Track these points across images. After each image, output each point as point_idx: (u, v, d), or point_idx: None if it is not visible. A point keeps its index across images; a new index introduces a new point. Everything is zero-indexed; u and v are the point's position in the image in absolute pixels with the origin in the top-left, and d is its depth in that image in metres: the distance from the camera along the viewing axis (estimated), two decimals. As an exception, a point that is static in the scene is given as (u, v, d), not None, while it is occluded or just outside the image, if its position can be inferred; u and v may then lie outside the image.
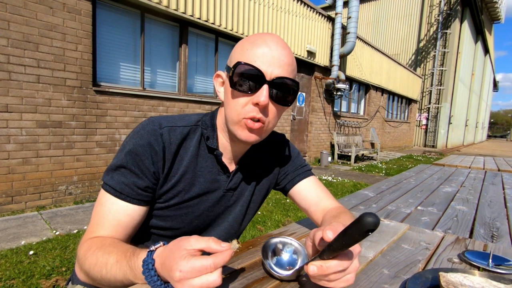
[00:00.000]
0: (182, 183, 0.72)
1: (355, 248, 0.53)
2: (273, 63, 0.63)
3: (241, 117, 0.65)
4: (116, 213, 0.65)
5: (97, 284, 0.62)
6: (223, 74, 0.72)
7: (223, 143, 0.75)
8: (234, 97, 0.65)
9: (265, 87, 0.62)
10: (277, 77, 0.63)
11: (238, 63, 0.63)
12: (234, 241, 0.48)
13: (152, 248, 0.52)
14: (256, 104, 0.63)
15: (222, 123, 0.74)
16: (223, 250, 0.46)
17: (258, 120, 0.65)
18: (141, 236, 0.75)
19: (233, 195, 0.81)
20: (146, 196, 0.69)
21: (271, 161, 0.87)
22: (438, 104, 15.98)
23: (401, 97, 13.75)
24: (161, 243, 0.53)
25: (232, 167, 0.78)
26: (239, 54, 0.65)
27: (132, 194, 0.66)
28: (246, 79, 0.63)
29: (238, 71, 0.63)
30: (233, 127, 0.68)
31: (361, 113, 10.66)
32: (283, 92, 0.65)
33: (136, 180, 0.66)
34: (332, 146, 8.58)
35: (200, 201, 0.76)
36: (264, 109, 0.65)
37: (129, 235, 0.68)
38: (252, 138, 0.67)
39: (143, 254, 0.52)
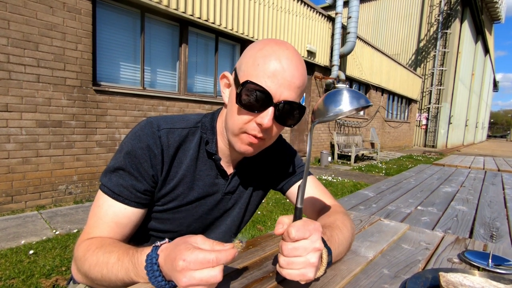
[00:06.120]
0: (181, 187, 0.72)
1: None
2: (284, 85, 0.61)
3: (242, 131, 0.65)
4: (114, 215, 0.65)
5: (96, 285, 0.61)
6: (230, 77, 0.70)
7: (222, 147, 0.75)
8: (238, 112, 0.64)
9: (270, 110, 0.61)
10: (284, 101, 0.62)
11: (247, 82, 0.61)
12: (237, 241, 0.49)
13: (158, 243, 0.52)
14: (259, 125, 0.63)
15: (222, 126, 0.73)
16: (227, 249, 0.47)
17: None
18: (139, 238, 0.75)
19: (231, 198, 0.81)
20: (145, 199, 0.68)
21: (269, 163, 0.86)
22: (438, 104, 15.98)
23: (401, 97, 13.75)
24: (167, 240, 0.53)
25: (230, 170, 0.78)
26: (250, 67, 0.63)
27: (131, 196, 0.66)
28: (253, 98, 0.61)
29: (246, 89, 0.61)
30: (233, 138, 0.68)
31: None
32: (288, 115, 0.64)
33: (134, 183, 0.66)
34: (332, 146, 8.58)
35: (198, 205, 0.76)
36: (266, 130, 0.65)
37: (127, 236, 0.68)
38: (250, 151, 0.68)
39: (147, 250, 0.53)
